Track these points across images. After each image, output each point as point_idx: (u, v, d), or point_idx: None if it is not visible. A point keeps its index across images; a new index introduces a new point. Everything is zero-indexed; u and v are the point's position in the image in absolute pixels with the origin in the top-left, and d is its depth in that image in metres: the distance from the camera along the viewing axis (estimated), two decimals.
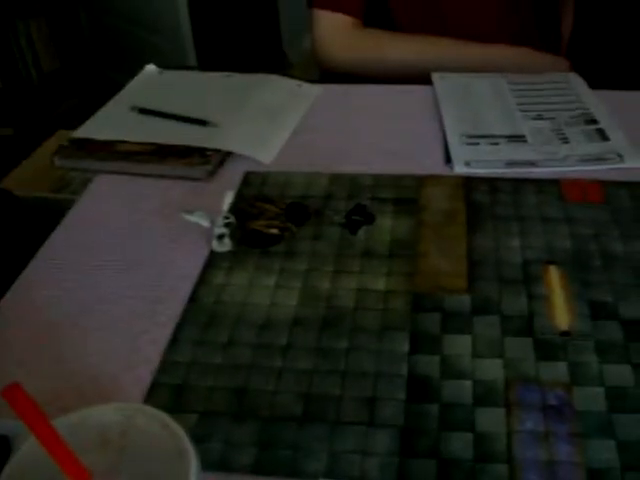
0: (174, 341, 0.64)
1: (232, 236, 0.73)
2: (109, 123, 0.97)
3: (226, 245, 0.73)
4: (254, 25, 2.51)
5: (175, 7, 2.20)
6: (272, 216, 0.76)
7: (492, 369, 0.60)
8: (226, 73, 1.09)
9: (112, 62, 2.75)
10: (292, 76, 1.10)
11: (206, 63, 2.22)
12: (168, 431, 0.41)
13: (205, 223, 0.73)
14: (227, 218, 0.73)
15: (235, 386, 0.59)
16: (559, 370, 0.59)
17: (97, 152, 0.90)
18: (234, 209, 0.76)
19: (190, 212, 0.74)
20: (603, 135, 0.90)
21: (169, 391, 0.59)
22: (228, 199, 0.74)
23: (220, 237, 0.73)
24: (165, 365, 0.62)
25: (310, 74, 1.30)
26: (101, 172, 0.88)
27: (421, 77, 1.07)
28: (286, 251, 0.73)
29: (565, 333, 0.62)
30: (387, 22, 1.21)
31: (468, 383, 0.58)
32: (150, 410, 0.43)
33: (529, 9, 1.25)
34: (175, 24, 2.21)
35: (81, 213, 0.82)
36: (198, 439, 0.54)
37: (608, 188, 0.80)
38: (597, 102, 0.97)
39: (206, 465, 0.53)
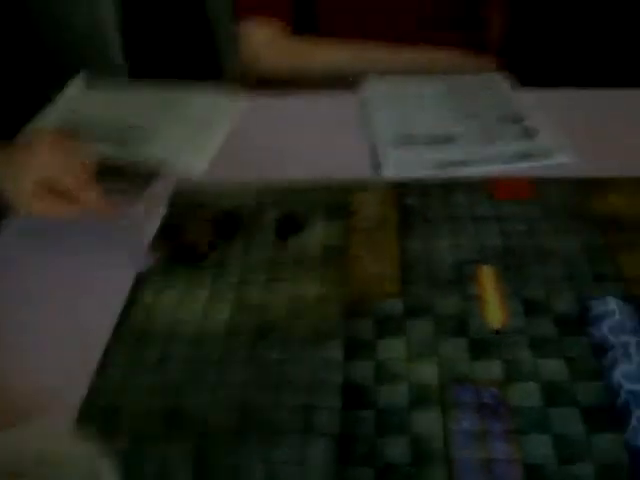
0: (104, 363, 0.62)
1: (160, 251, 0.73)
2: None
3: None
4: (188, 36, 2.50)
5: (104, 20, 2.18)
6: (201, 230, 0.75)
7: (427, 371, 0.59)
8: (156, 85, 1.07)
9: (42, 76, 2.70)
10: (228, 86, 1.09)
11: (139, 76, 2.20)
12: (84, 452, 0.40)
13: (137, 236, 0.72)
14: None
15: (168, 404, 0.58)
16: (494, 368, 0.60)
17: None
18: (165, 223, 0.75)
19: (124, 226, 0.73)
20: (531, 133, 0.91)
21: (100, 414, 0.58)
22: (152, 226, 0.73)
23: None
24: (95, 388, 0.60)
25: (246, 84, 1.29)
26: None
27: (353, 83, 1.07)
28: (217, 263, 0.72)
29: (499, 331, 0.63)
30: (314, 30, 1.22)
31: (403, 386, 0.58)
32: (64, 429, 0.41)
33: (454, 11, 1.26)
34: (105, 37, 2.18)
35: (6, 239, 0.80)
36: (132, 462, 0.54)
37: (537, 184, 0.81)
38: (526, 101, 0.99)
39: None
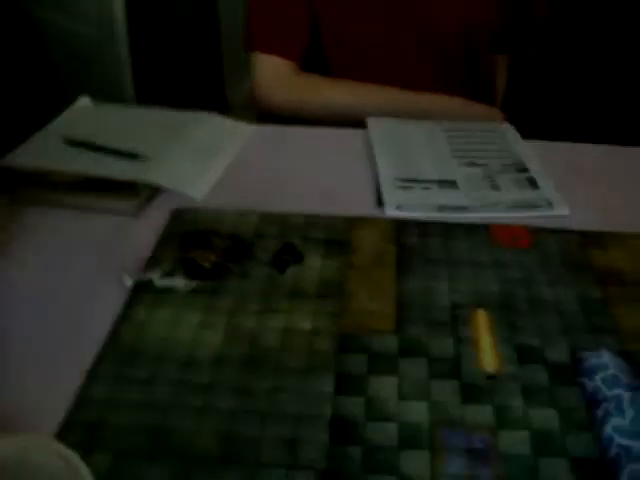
0: (91, 377, 0.61)
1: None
2: (38, 153, 0.94)
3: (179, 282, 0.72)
4: (196, 66, 2.51)
5: (115, 45, 2.19)
6: (214, 249, 0.75)
7: (418, 411, 0.59)
8: (160, 108, 1.07)
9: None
10: (233, 117, 1.09)
11: (145, 103, 2.20)
12: (64, 462, 0.39)
13: (181, 285, 0.71)
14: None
15: (152, 424, 0.57)
16: (485, 413, 0.59)
17: (24, 182, 0.87)
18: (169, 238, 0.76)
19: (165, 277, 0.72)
20: (533, 183, 0.91)
21: (83, 429, 0.57)
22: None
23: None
24: (80, 401, 0.59)
25: (250, 116, 1.30)
26: (27, 203, 0.85)
27: (358, 122, 1.08)
28: (212, 288, 0.71)
29: (491, 377, 0.62)
30: (324, 69, 1.23)
31: (393, 425, 0.57)
32: (46, 441, 0.40)
33: (462, 63, 1.27)
34: (114, 61, 2.19)
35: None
36: (112, 478, 0.52)
37: (536, 234, 0.81)
38: (528, 152, 0.99)
39: None
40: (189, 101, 1.16)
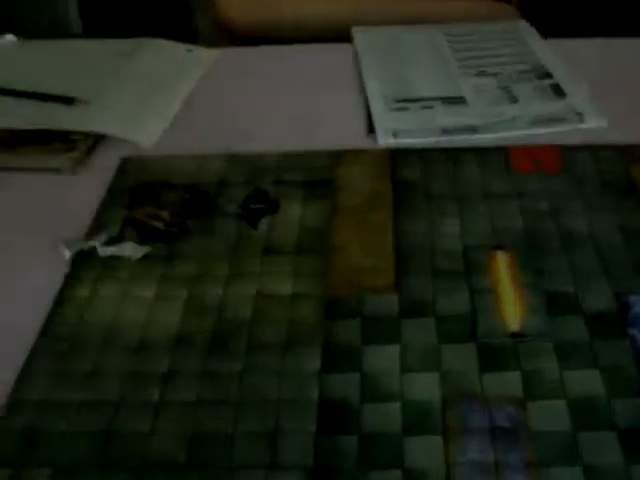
0: (24, 375, 0.59)
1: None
2: None
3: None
4: None
5: None
6: (166, 205, 0.72)
7: (426, 386, 0.56)
8: (102, 40, 1.04)
9: None
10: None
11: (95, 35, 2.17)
12: None
13: (130, 253, 0.69)
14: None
15: (100, 428, 0.54)
16: (510, 381, 0.56)
17: None
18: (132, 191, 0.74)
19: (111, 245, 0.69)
20: (559, 91, 0.88)
21: (16, 439, 0.54)
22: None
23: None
24: (12, 406, 0.56)
25: (220, 43, 1.28)
26: None
27: (341, 37, 1.04)
28: (168, 253, 0.68)
29: (517, 334, 0.59)
30: None
31: (396, 406, 0.54)
32: None
33: None
34: None
35: None
36: None
37: (566, 154, 0.78)
38: (551, 53, 0.96)
39: None
40: (152, 33, 1.13)
